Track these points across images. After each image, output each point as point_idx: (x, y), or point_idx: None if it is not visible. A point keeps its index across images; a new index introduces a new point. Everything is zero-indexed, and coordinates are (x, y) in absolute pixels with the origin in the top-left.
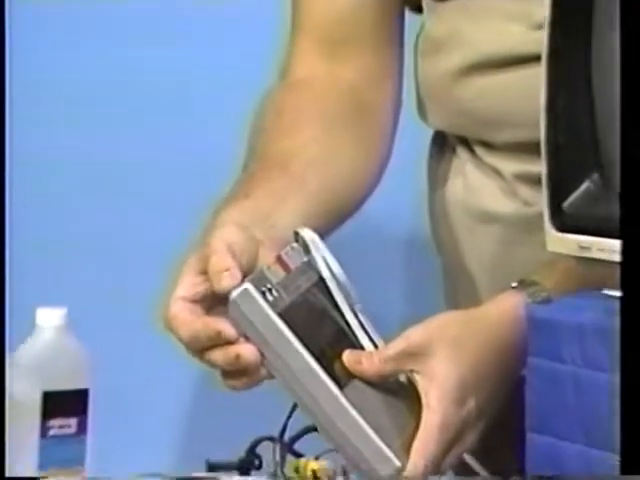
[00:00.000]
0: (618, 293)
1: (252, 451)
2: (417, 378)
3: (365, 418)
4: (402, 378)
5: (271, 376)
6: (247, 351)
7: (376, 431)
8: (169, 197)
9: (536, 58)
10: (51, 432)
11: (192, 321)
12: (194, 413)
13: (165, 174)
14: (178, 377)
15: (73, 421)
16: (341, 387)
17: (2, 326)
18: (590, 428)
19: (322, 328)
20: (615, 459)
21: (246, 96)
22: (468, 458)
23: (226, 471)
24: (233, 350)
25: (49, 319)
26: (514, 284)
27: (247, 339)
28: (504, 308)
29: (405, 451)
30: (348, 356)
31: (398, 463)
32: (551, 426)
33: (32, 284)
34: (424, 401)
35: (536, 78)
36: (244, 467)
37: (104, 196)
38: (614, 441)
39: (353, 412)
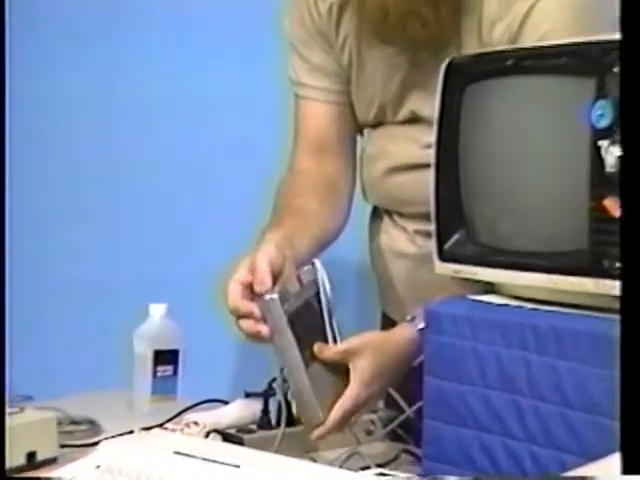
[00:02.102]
0: (479, 297)
1: (270, 385)
2: (350, 367)
3: (312, 386)
4: (342, 366)
5: (273, 343)
6: (264, 329)
7: (317, 394)
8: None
9: (424, 165)
10: (158, 374)
11: (238, 299)
12: (239, 364)
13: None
14: (229, 345)
15: (170, 367)
16: (307, 365)
17: (2, 326)
18: (460, 374)
19: (310, 323)
20: (479, 391)
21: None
22: (393, 393)
23: (256, 397)
24: (256, 326)
25: (157, 310)
26: (408, 317)
27: (265, 322)
28: (402, 333)
29: (330, 410)
30: (316, 346)
31: (322, 416)
32: (436, 372)
33: (144, 285)
34: (350, 382)
35: (424, 178)
36: (266, 394)
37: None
38: (476, 378)
39: (307, 381)
